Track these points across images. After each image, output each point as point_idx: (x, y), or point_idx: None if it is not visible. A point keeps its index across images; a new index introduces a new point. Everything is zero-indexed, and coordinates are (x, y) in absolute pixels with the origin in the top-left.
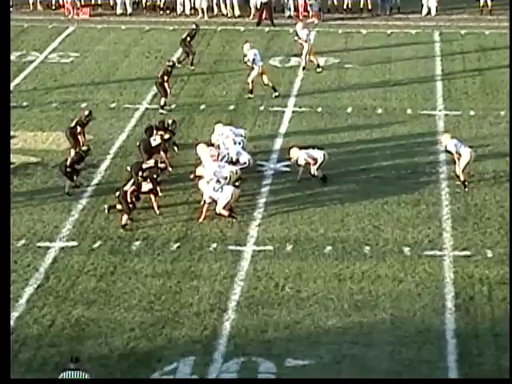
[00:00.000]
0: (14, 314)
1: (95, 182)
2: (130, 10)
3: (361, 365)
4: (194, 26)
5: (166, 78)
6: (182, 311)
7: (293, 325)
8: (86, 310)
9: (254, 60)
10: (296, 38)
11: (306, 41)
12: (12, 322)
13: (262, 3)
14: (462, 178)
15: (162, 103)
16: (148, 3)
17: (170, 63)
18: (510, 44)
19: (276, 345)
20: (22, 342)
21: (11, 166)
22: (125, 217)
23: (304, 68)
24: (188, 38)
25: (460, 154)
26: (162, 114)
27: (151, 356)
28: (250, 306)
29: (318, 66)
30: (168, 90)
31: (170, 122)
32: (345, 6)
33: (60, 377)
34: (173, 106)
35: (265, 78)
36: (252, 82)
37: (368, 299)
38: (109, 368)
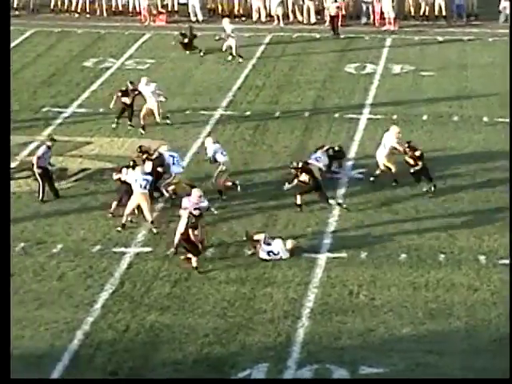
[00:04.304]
0: (89, 319)
1: (170, 188)
2: (200, 18)
3: (434, 373)
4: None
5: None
6: (255, 317)
7: (366, 332)
8: (160, 316)
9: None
10: (223, 35)
11: (230, 36)
12: (87, 327)
13: (330, 16)
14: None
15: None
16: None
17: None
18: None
19: (349, 352)
20: (97, 347)
21: (87, 171)
22: (194, 259)
23: (234, 57)
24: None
25: (216, 161)
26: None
27: (225, 362)
28: (323, 313)
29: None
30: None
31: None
32: (421, 13)
33: None
34: (248, 113)
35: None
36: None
37: (442, 307)
38: (182, 373)
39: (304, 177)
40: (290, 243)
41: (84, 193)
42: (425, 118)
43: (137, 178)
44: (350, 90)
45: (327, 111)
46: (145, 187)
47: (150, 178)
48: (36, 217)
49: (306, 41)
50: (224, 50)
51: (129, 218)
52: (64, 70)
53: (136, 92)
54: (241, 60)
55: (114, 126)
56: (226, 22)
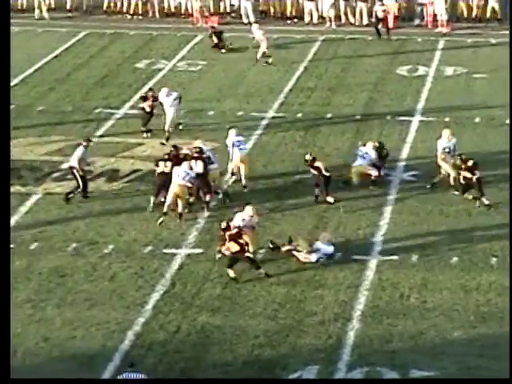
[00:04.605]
0: (141, 320)
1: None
2: (252, 19)
3: (486, 376)
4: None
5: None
6: (306, 320)
7: (418, 335)
8: (211, 317)
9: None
10: (254, 41)
11: (262, 40)
12: (138, 328)
13: (376, 18)
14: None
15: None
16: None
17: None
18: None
19: (400, 355)
20: (148, 348)
21: (139, 172)
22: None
23: (257, 60)
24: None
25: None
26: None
27: (275, 364)
28: (374, 315)
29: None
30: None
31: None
32: (473, 16)
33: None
34: (299, 115)
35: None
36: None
37: (494, 311)
38: (233, 375)
39: (313, 170)
40: (325, 236)
41: (135, 194)
42: (477, 120)
43: (179, 172)
44: (402, 92)
45: (379, 113)
46: (183, 178)
47: (191, 172)
48: (88, 217)
49: (358, 43)
50: (255, 46)
51: (170, 212)
52: (116, 72)
53: (155, 100)
54: (270, 61)
55: (145, 135)
56: (254, 27)
